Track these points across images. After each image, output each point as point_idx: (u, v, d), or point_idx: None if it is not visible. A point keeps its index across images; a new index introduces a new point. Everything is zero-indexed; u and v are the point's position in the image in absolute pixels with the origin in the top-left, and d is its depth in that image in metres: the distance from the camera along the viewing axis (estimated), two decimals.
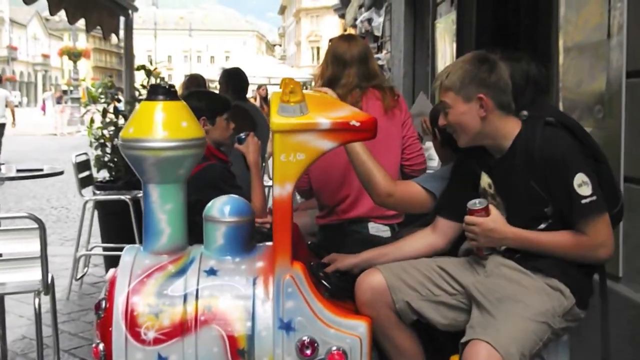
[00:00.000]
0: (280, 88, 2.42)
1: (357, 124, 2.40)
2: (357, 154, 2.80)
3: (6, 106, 14.58)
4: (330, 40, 3.71)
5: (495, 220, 2.51)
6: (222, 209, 2.58)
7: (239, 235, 2.58)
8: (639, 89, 3.32)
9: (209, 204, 2.62)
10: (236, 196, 2.71)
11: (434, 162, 4.02)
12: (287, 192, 2.39)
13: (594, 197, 2.41)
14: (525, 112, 2.58)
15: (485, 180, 2.66)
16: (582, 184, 2.40)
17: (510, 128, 2.55)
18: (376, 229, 3.42)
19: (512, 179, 2.55)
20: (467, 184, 2.71)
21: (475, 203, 2.53)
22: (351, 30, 18.06)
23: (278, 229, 2.42)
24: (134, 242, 5.53)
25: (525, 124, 2.55)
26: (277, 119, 2.36)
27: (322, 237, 3.58)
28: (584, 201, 2.40)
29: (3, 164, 5.86)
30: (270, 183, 7.83)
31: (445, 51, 7.83)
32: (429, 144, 4.06)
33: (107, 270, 6.11)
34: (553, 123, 2.50)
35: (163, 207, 2.54)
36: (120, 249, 6.41)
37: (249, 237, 2.62)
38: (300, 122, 2.36)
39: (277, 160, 2.36)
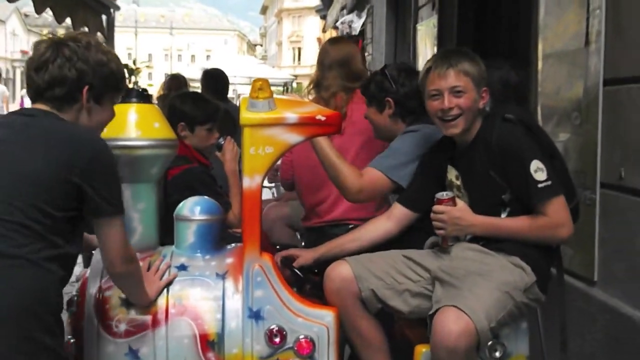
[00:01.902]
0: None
1: (323, 118, 2.52)
2: (322, 149, 2.88)
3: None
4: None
5: (461, 210, 2.66)
6: (192, 208, 2.66)
7: (209, 234, 2.66)
8: (615, 96, 3.38)
9: (180, 204, 2.69)
10: (206, 197, 2.77)
11: None
12: (256, 184, 2.48)
13: (549, 182, 2.58)
14: (487, 109, 2.76)
15: (452, 172, 2.82)
16: (538, 170, 2.57)
17: (476, 123, 2.74)
18: None
19: (473, 170, 2.72)
20: (432, 177, 2.87)
21: (443, 194, 2.67)
22: (333, 32, 18.09)
23: (247, 219, 2.50)
24: None
25: (485, 119, 2.74)
26: (246, 114, 2.47)
27: (307, 239, 3.64)
28: (540, 185, 2.57)
29: None
30: None
31: (427, 54, 7.86)
32: None
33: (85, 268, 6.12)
34: (511, 119, 2.68)
35: (135, 206, 2.61)
36: None
37: (218, 236, 2.70)
38: (268, 116, 2.47)
39: (247, 153, 2.46)
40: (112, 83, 2.29)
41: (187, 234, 2.64)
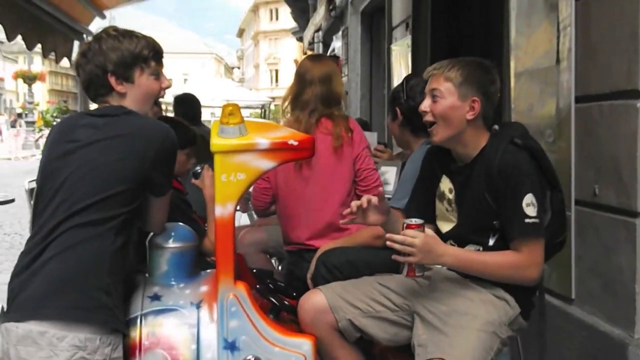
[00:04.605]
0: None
1: (295, 143, 2.46)
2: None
3: None
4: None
5: (434, 237, 2.46)
6: (165, 235, 2.60)
7: (182, 261, 2.60)
8: (587, 113, 3.39)
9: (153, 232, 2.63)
10: (180, 223, 2.72)
11: (390, 186, 4.03)
12: (228, 212, 2.42)
13: (537, 220, 2.46)
14: (496, 127, 2.63)
15: (446, 184, 2.71)
16: (530, 205, 2.45)
17: (481, 140, 2.61)
18: None
19: (470, 188, 2.59)
20: (430, 187, 2.76)
21: (412, 220, 2.47)
22: (309, 53, 18.14)
23: (220, 248, 2.44)
24: None
25: (492, 139, 2.60)
26: (217, 140, 2.42)
27: (289, 262, 3.62)
28: (527, 220, 2.45)
29: None
30: None
31: (401, 74, 7.89)
32: (384, 169, 4.08)
33: None
34: (518, 144, 2.54)
35: None
36: None
37: (193, 263, 2.65)
38: (239, 142, 2.41)
39: (219, 180, 2.41)
40: (131, 60, 2.43)
41: (160, 262, 2.58)
